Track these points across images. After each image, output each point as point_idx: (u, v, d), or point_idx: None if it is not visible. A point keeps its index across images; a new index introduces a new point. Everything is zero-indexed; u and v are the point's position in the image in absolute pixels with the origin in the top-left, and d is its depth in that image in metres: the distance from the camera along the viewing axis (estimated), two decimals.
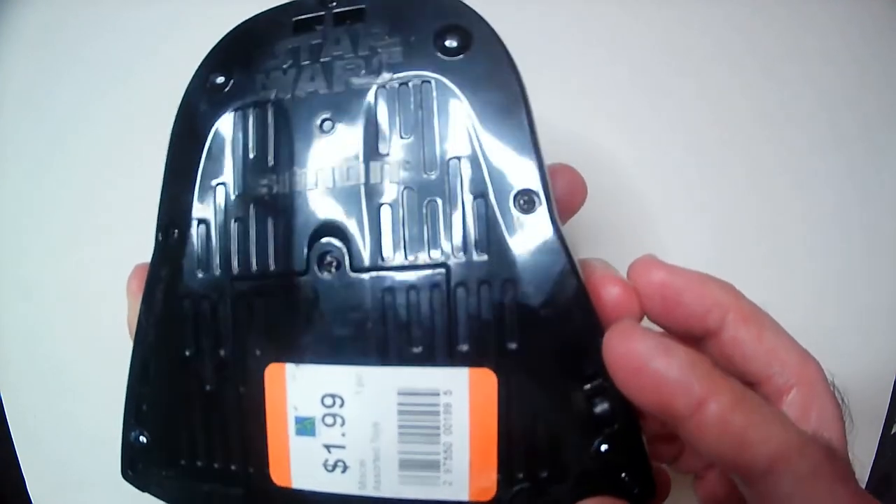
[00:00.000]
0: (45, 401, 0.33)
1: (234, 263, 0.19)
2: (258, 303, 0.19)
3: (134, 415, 0.21)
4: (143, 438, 0.21)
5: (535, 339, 0.17)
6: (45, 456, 0.33)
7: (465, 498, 0.18)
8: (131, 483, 0.21)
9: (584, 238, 0.29)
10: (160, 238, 0.20)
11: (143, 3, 0.33)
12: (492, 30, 0.18)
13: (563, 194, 0.19)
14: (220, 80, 0.20)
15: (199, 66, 0.20)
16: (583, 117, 0.30)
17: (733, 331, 0.18)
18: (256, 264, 0.19)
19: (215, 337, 0.19)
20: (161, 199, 0.20)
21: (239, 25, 0.20)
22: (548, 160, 0.18)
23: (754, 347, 0.18)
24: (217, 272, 0.19)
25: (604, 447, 0.17)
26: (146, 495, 0.21)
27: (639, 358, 0.16)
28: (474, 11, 0.18)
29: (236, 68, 0.20)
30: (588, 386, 0.17)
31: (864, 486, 0.28)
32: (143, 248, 0.32)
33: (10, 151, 0.34)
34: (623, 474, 0.17)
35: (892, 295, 0.30)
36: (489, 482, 0.17)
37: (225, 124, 0.20)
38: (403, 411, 0.18)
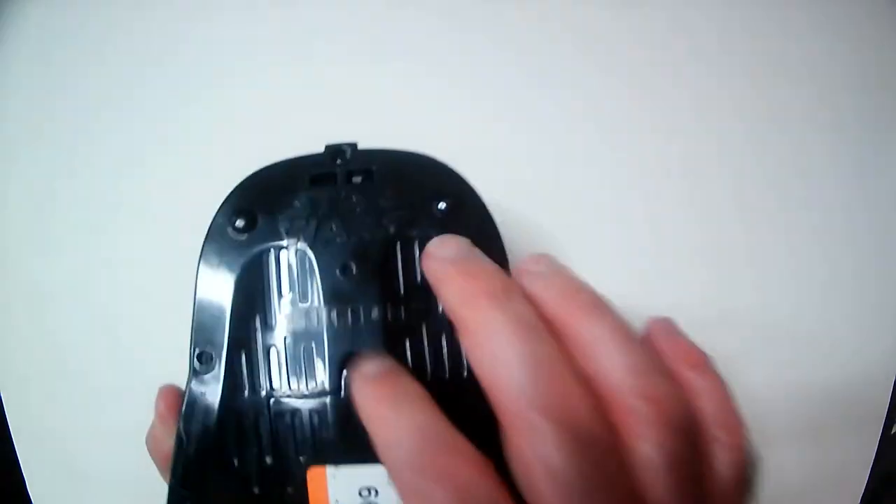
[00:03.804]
0: (45, 400, 0.33)
1: (273, 385, 0.22)
2: (297, 418, 0.22)
3: None
4: None
5: None
6: (45, 456, 0.33)
7: None
8: None
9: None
10: (196, 363, 0.22)
11: (145, 3, 0.32)
12: (480, 198, 0.22)
13: None
14: (243, 223, 0.22)
15: (222, 207, 0.22)
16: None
17: None
18: (293, 386, 0.22)
19: (259, 448, 0.22)
20: (194, 327, 0.22)
21: (257, 173, 0.23)
22: None
23: None
24: (257, 394, 0.22)
25: None
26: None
27: None
28: (467, 183, 0.22)
29: (260, 214, 0.22)
30: None
31: (863, 486, 0.29)
32: (143, 248, 0.33)
33: (12, 151, 0.33)
34: None
35: (893, 295, 0.31)
36: None
37: (253, 265, 0.22)
38: None
